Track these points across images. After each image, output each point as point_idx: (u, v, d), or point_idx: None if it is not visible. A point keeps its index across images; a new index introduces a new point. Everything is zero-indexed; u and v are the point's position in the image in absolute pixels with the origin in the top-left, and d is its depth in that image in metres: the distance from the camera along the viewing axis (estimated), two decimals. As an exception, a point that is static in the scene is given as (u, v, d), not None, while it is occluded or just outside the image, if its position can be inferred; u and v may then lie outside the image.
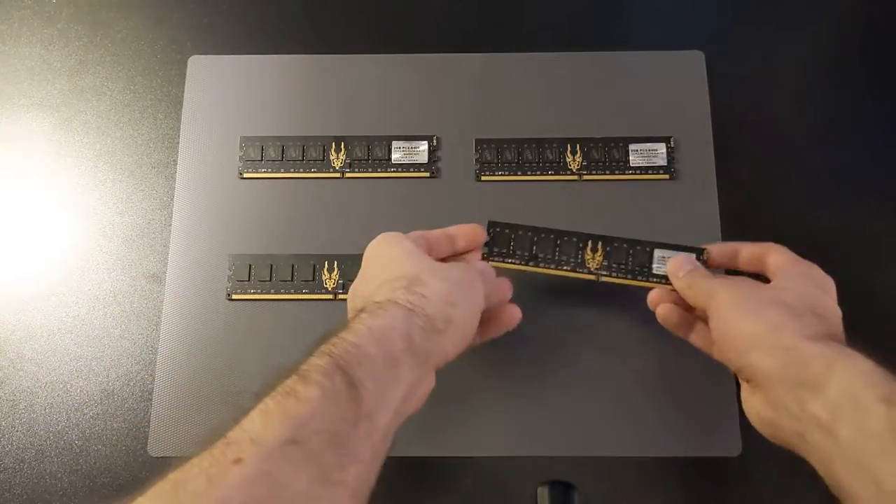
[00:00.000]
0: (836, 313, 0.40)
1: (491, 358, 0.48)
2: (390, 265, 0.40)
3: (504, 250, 0.47)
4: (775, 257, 0.43)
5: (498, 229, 0.47)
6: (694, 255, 0.46)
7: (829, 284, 0.42)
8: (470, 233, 0.46)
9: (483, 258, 0.47)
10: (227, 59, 0.56)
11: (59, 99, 0.55)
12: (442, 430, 0.47)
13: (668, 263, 0.46)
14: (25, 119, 0.55)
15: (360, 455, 0.31)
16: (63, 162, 0.54)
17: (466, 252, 0.46)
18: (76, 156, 0.54)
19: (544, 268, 0.47)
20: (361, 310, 0.38)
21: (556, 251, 0.47)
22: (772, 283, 0.41)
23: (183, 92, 0.55)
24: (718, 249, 0.46)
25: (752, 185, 0.52)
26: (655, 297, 0.45)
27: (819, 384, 0.34)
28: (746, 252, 0.45)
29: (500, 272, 0.45)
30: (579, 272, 0.47)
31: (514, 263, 0.47)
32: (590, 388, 0.47)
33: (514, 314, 0.44)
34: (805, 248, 0.51)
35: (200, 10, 0.57)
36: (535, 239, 0.47)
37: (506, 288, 0.44)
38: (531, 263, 0.47)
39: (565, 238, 0.48)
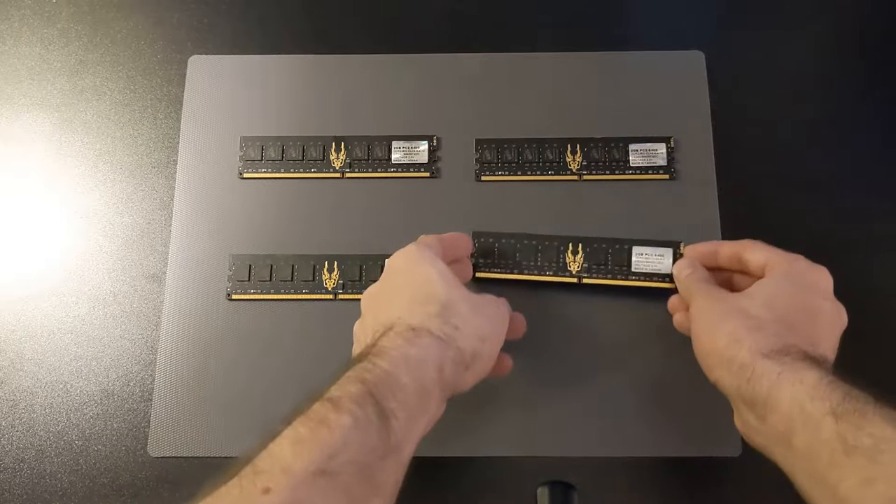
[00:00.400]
0: (819, 311, 0.39)
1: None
2: (423, 285, 0.39)
3: (490, 260, 0.49)
4: (753, 255, 0.43)
5: (482, 239, 0.49)
6: (671, 250, 0.48)
7: (816, 277, 0.41)
8: (465, 244, 0.46)
9: (473, 270, 0.48)
10: (227, 59, 0.56)
11: (59, 99, 0.55)
12: (442, 430, 0.46)
13: (674, 268, 0.46)
14: (25, 119, 0.55)
15: (385, 487, 0.32)
16: (63, 162, 0.54)
17: (465, 257, 0.47)
18: (76, 156, 0.54)
19: (528, 275, 0.48)
20: (390, 328, 0.37)
21: (538, 257, 0.49)
22: (747, 289, 0.41)
23: (183, 92, 0.55)
24: (699, 250, 0.46)
25: (752, 185, 0.52)
26: (673, 304, 0.47)
27: (771, 400, 0.34)
28: (724, 251, 0.45)
29: (489, 287, 0.45)
30: (561, 276, 0.48)
31: (500, 273, 0.49)
32: (590, 388, 0.47)
33: (507, 363, 0.43)
34: (805, 248, 0.51)
35: (200, 10, 0.57)
36: (518, 246, 0.48)
37: (522, 324, 0.44)
38: (515, 271, 0.48)
39: (546, 243, 0.49)
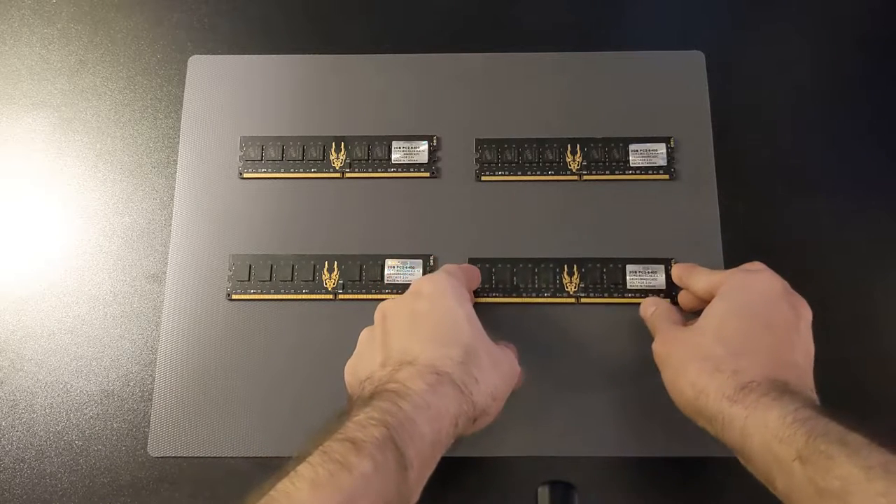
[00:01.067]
0: (772, 319, 0.38)
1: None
2: (450, 325, 0.38)
3: (487, 285, 0.49)
4: (695, 283, 0.44)
5: (478, 265, 0.49)
6: (663, 267, 0.49)
7: (758, 284, 0.40)
8: (477, 277, 0.47)
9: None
10: (227, 59, 0.56)
11: (59, 99, 0.55)
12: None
13: (641, 307, 0.47)
14: (25, 119, 0.55)
15: None
16: (63, 162, 0.54)
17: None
18: (76, 156, 0.54)
19: (526, 297, 0.49)
20: (409, 362, 0.36)
21: (534, 279, 0.49)
22: (698, 322, 0.41)
23: (183, 92, 0.55)
24: (675, 273, 0.47)
25: (752, 185, 0.52)
26: (684, 301, 0.47)
27: (746, 448, 0.35)
28: (681, 277, 0.46)
29: (488, 310, 0.47)
30: (559, 297, 0.49)
31: (498, 297, 0.49)
32: (590, 390, 0.47)
33: (521, 379, 0.43)
34: (804, 248, 0.51)
35: (200, 10, 0.57)
36: (514, 270, 0.49)
37: (521, 379, 0.44)
38: (514, 295, 0.49)
39: (542, 265, 0.49)
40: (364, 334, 0.41)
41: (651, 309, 0.46)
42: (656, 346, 0.42)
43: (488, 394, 0.37)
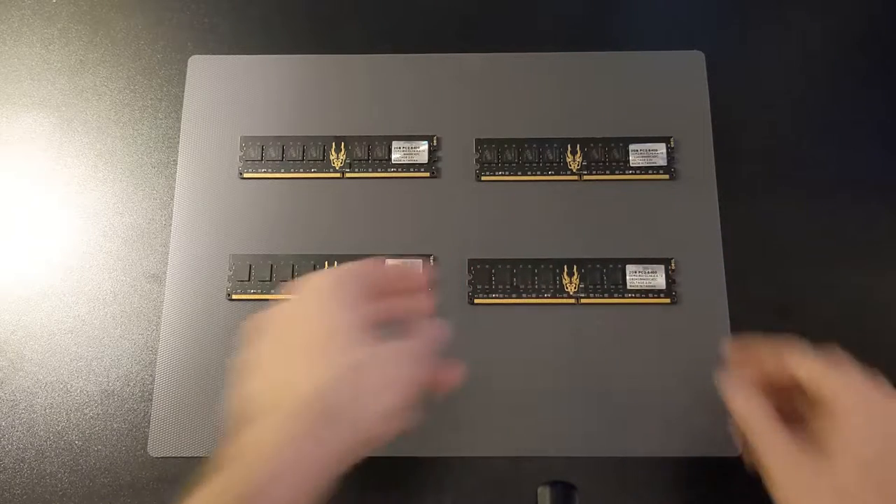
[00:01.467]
0: None
1: (490, 358, 0.48)
2: (324, 340, 0.33)
3: (487, 286, 0.49)
4: (801, 371, 0.36)
5: (478, 266, 0.49)
6: (663, 267, 0.49)
7: None
8: (416, 276, 0.40)
9: (469, 297, 0.49)
10: (227, 59, 0.56)
11: (59, 99, 0.55)
12: (442, 430, 0.46)
13: (728, 397, 0.37)
14: (25, 119, 0.55)
15: None
16: (63, 162, 0.54)
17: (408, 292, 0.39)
18: (76, 156, 0.54)
19: (526, 298, 0.49)
20: (276, 405, 0.32)
21: (535, 279, 0.49)
22: (827, 448, 0.33)
23: (183, 92, 0.55)
24: (741, 357, 0.39)
25: (752, 185, 0.52)
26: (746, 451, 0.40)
27: None
28: (768, 361, 0.38)
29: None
30: (559, 298, 0.49)
31: (498, 298, 0.49)
32: (589, 388, 0.47)
33: (451, 377, 0.37)
34: (804, 249, 0.51)
35: (200, 10, 0.57)
36: (514, 270, 0.49)
37: (454, 377, 0.37)
38: (514, 296, 0.49)
39: (542, 266, 0.49)
40: (246, 351, 0.35)
41: (747, 405, 0.36)
42: (773, 471, 0.34)
43: (377, 414, 0.33)
